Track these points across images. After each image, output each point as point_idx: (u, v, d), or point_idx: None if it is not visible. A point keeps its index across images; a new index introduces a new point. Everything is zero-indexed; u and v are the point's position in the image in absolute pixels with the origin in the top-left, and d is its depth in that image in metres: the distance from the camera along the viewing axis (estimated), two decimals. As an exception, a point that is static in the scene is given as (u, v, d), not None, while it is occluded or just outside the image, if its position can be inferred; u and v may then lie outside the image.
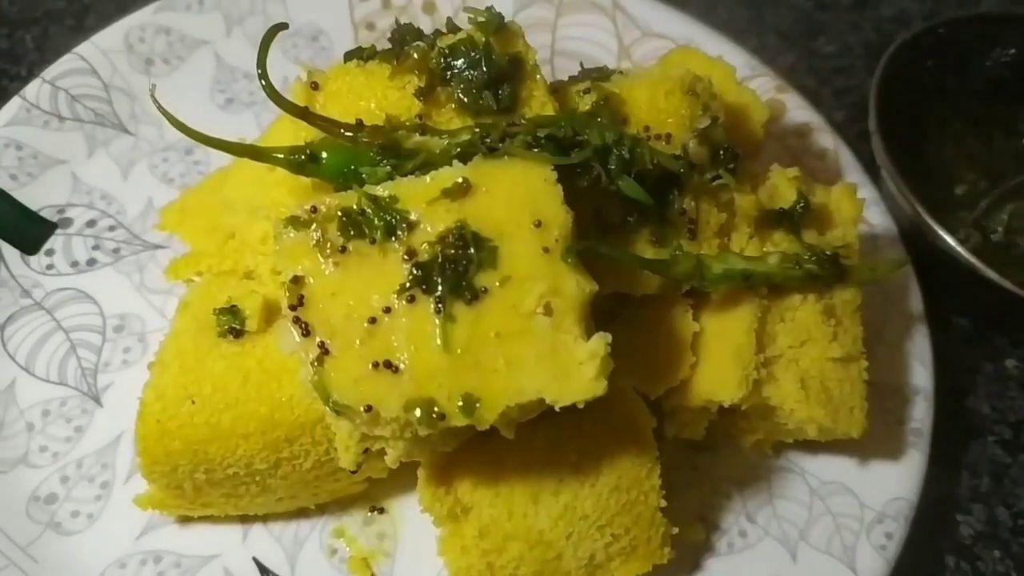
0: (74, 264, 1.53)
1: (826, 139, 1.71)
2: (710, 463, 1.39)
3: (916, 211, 1.50)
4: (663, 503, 1.20)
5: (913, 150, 1.69)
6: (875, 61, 1.72)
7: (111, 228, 1.57)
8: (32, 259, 1.52)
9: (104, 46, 1.70)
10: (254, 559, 1.27)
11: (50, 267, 1.51)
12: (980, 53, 1.78)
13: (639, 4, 1.84)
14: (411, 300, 1.01)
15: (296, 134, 1.22)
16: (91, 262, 1.53)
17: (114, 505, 1.30)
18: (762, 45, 2.01)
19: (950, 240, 1.46)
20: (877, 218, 1.59)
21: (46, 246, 1.54)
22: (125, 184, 1.62)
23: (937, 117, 1.76)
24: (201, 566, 1.26)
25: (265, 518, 1.30)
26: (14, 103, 1.61)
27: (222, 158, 1.60)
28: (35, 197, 1.56)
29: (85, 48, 1.68)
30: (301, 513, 1.31)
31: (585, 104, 1.24)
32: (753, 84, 1.68)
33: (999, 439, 1.53)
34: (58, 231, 1.55)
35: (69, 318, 1.46)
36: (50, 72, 1.65)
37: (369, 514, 1.32)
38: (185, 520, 1.29)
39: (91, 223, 1.57)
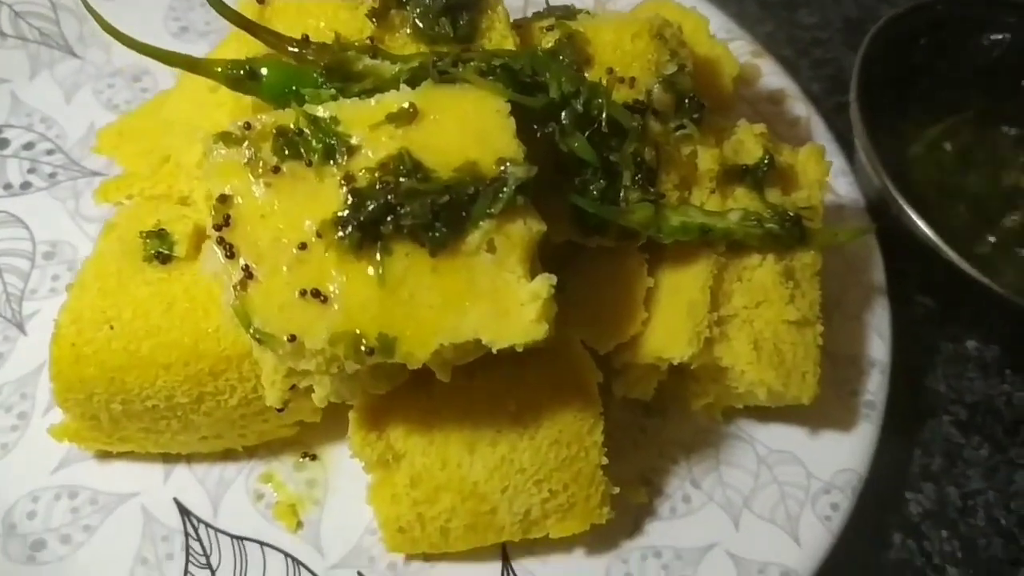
0: (7, 187, 1.46)
1: (799, 107, 1.66)
2: (658, 426, 1.35)
3: (884, 184, 1.46)
4: (605, 461, 1.16)
5: (890, 127, 1.65)
6: (855, 36, 1.68)
7: (49, 152, 1.50)
8: (-38, 179, 1.45)
9: (53, -37, 1.61)
10: (175, 500, 1.21)
11: (-19, 188, 1.44)
12: (973, 36, 1.73)
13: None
14: (345, 228, 0.95)
15: (241, 53, 1.15)
16: (25, 185, 1.46)
17: (31, 437, 1.24)
18: (742, 11, 1.95)
19: (915, 216, 1.43)
20: (844, 188, 1.55)
21: (-23, 167, 1.47)
22: (67, 108, 1.55)
23: (922, 97, 1.71)
24: (119, 504, 1.20)
25: (189, 459, 1.24)
26: (-48, 16, 1.53)
27: (169, 85, 1.54)
28: (-30, 114, 1.49)
29: (33, -37, 1.60)
30: (228, 455, 1.25)
31: (548, 41, 1.18)
32: (729, 47, 1.63)
33: (954, 419, 1.50)
34: (-8, 151, 1.48)
35: (-3, 242, 1.39)
36: (-7, -14, 1.57)
37: (300, 460, 1.27)
38: (104, 456, 1.23)
39: (28, 145, 1.50)
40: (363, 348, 0.93)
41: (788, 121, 1.65)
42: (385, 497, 1.14)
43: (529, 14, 1.37)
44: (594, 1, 1.73)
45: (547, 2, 1.34)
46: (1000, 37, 1.74)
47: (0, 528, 1.16)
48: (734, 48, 1.65)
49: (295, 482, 1.25)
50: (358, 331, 0.93)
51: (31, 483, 1.20)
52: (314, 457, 1.27)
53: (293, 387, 1.04)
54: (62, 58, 1.59)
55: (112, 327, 1.08)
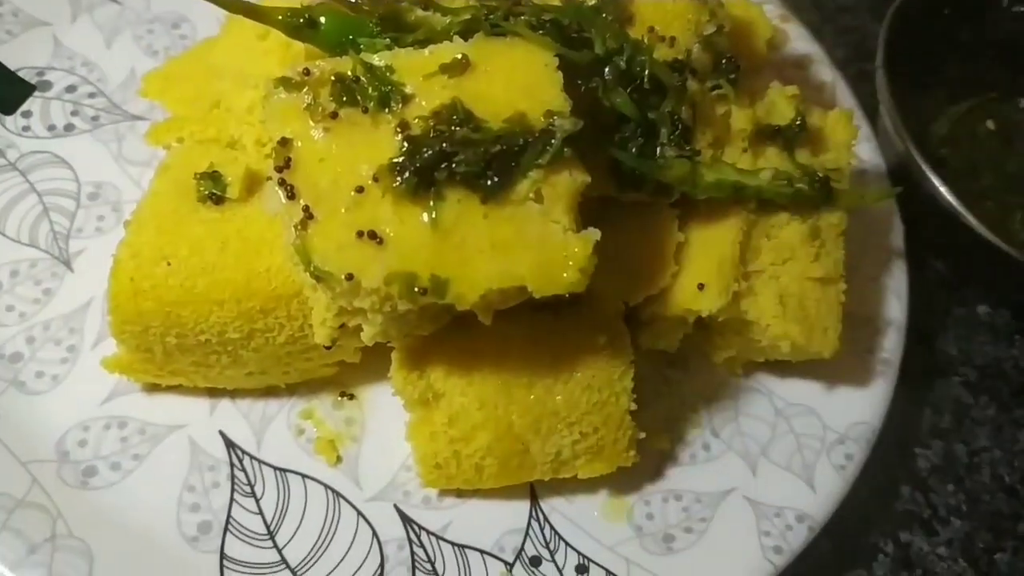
0: (51, 128, 1.49)
1: (825, 72, 1.70)
2: (681, 378, 1.40)
3: (907, 148, 1.49)
4: (634, 407, 1.21)
5: (913, 95, 1.68)
6: (879, 3, 1.70)
7: (91, 95, 1.53)
8: (7, 119, 1.48)
9: (94, -97, 1.63)
10: (220, 432, 1.27)
11: (26, 128, 1.48)
12: (996, 6, 1.76)
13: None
14: (400, 173, 0.99)
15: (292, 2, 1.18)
16: (68, 127, 1.49)
17: (80, 369, 1.28)
18: (768, -23, 1.97)
19: (936, 181, 1.46)
20: (867, 154, 1.59)
21: (23, 107, 1.49)
22: (108, 52, 1.58)
23: (945, 67, 1.74)
24: (166, 435, 1.25)
25: (233, 394, 1.29)
26: (-4, -43, 1.55)
27: (209, 32, 1.57)
28: (14, 56, 1.53)
29: (73, -96, 1.62)
30: (270, 392, 1.30)
31: (592, -2, 1.21)
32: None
33: (964, 380, 1.56)
34: (36, 94, 1.51)
35: (43, 181, 1.43)
36: (35, -72, 1.58)
37: (339, 399, 1.32)
38: (152, 389, 1.28)
39: (71, 88, 1.53)
40: (416, 289, 0.98)
41: (814, 86, 1.68)
42: (424, 434, 1.19)
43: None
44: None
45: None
46: (1022, 9, 1.77)
47: (54, 455, 1.21)
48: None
49: (334, 419, 1.30)
50: (412, 272, 0.98)
51: (82, 413, 1.25)
52: (352, 397, 1.32)
53: (342, 326, 1.09)
54: (102, 2, 1.62)
55: (169, 263, 1.12)
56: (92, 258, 1.36)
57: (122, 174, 1.45)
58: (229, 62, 1.28)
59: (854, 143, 1.34)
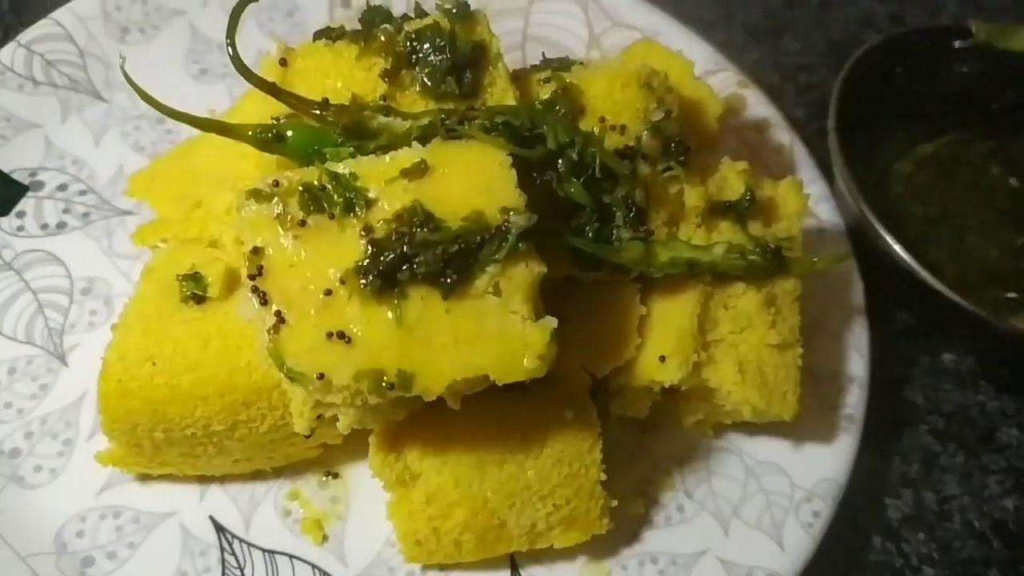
0: (44, 227, 1.55)
1: (783, 135, 1.76)
2: (653, 441, 1.45)
3: (861, 210, 1.56)
4: (604, 477, 1.27)
5: (870, 152, 1.75)
6: (839, 61, 1.77)
7: (82, 192, 1.60)
8: (3, 220, 1.55)
9: (81, 13, 1.71)
10: (210, 517, 1.32)
11: (20, 229, 1.54)
12: (948, 62, 1.83)
13: (611, -7, 1.88)
14: (366, 275, 1.06)
15: (265, 109, 1.26)
16: (61, 225, 1.56)
17: (76, 461, 1.34)
18: (729, 40, 2.05)
19: (892, 243, 1.52)
20: (826, 214, 1.65)
21: (17, 208, 1.56)
22: (97, 150, 1.64)
23: (899, 123, 1.81)
24: (159, 522, 1.31)
25: (222, 479, 1.35)
26: (-12, 65, 1.63)
27: (193, 128, 1.65)
28: (7, 159, 1.59)
29: (62, 14, 1.70)
30: (257, 475, 1.36)
31: (545, 93, 1.29)
32: (716, 78, 1.74)
33: (931, 428, 1.60)
34: (29, 194, 1.58)
35: (38, 279, 1.50)
36: (26, 36, 1.67)
37: (324, 479, 1.37)
38: (144, 478, 1.34)
39: (62, 187, 1.60)
40: (384, 384, 1.04)
41: (772, 148, 1.75)
42: (403, 513, 1.25)
43: (530, 57, 1.48)
44: (587, 38, 1.85)
45: (543, 55, 1.44)
46: (971, 64, 1.84)
47: (52, 547, 1.27)
48: (721, 79, 1.76)
49: (320, 499, 1.36)
50: (379, 368, 1.04)
51: (78, 504, 1.31)
52: (336, 476, 1.38)
53: (320, 416, 1.15)
54: (90, 102, 1.68)
55: (154, 363, 1.19)
56: (86, 352, 1.43)
57: (113, 268, 1.51)
58: (208, 164, 1.36)
59: (805, 211, 1.41)
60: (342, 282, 1.06)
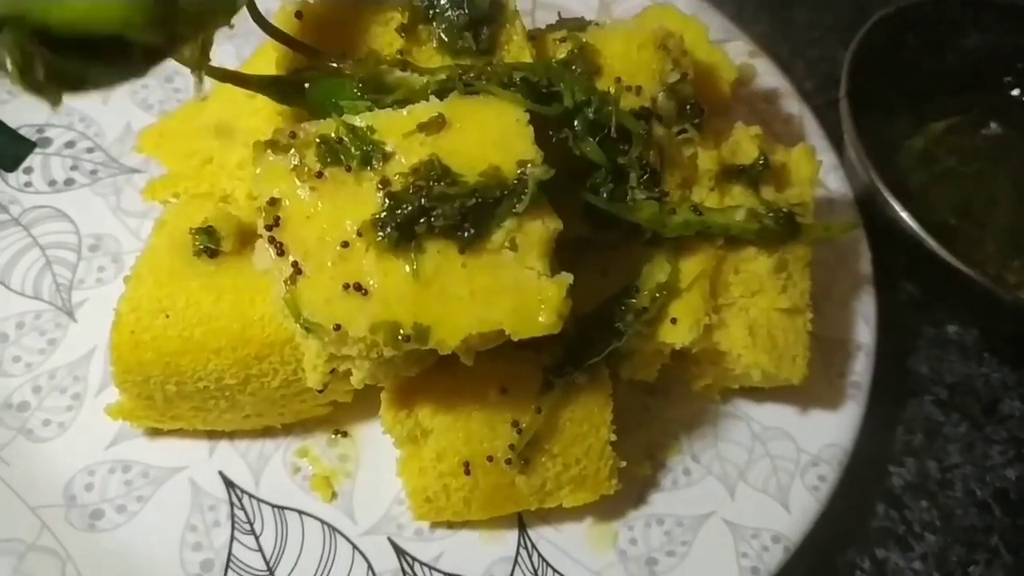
0: (52, 183, 1.55)
1: (792, 105, 1.76)
2: (661, 406, 1.46)
3: (870, 177, 1.56)
4: (613, 438, 1.27)
5: (879, 125, 1.75)
6: (848, 35, 1.76)
7: (89, 150, 1.59)
8: (10, 176, 1.54)
9: (88, -32, 1.70)
10: (220, 472, 1.33)
11: (28, 184, 1.54)
12: (960, 34, 1.83)
13: (623, -38, 1.87)
14: (383, 228, 1.06)
15: (276, 67, 1.25)
16: (68, 182, 1.55)
17: (85, 416, 1.34)
18: (740, 11, 2.05)
19: (903, 213, 1.52)
20: (835, 183, 1.66)
21: (24, 164, 1.55)
22: (105, 107, 1.63)
23: (910, 94, 1.81)
24: (168, 477, 1.31)
25: (232, 435, 1.35)
26: (-5, 20, 1.61)
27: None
28: (15, 115, 1.58)
29: (69, -30, 1.68)
30: (267, 432, 1.36)
31: (561, 52, 1.28)
32: (727, 47, 1.73)
33: (935, 399, 1.62)
34: (37, 150, 1.57)
35: (45, 235, 1.49)
36: (33, -9, 1.65)
37: (333, 436, 1.38)
38: (153, 433, 1.34)
39: (70, 144, 1.59)
40: (400, 336, 1.04)
41: (782, 119, 1.75)
42: (413, 470, 1.25)
43: (540, 24, 1.47)
44: (597, 5, 1.84)
45: (559, 14, 1.43)
46: (982, 36, 1.84)
47: (62, 499, 1.27)
48: (732, 48, 1.76)
49: (328, 457, 1.36)
50: (396, 321, 1.04)
51: (87, 458, 1.31)
52: (345, 434, 1.38)
53: (333, 371, 1.15)
54: (97, 59, 1.68)
55: (168, 316, 1.19)
56: (94, 308, 1.43)
57: (121, 226, 1.51)
58: (220, 120, 1.35)
59: (817, 177, 1.41)
60: (359, 234, 1.06)
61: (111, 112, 1.63)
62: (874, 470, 1.53)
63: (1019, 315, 1.54)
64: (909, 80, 1.81)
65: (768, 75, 1.79)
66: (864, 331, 1.50)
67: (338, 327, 1.03)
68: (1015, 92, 1.86)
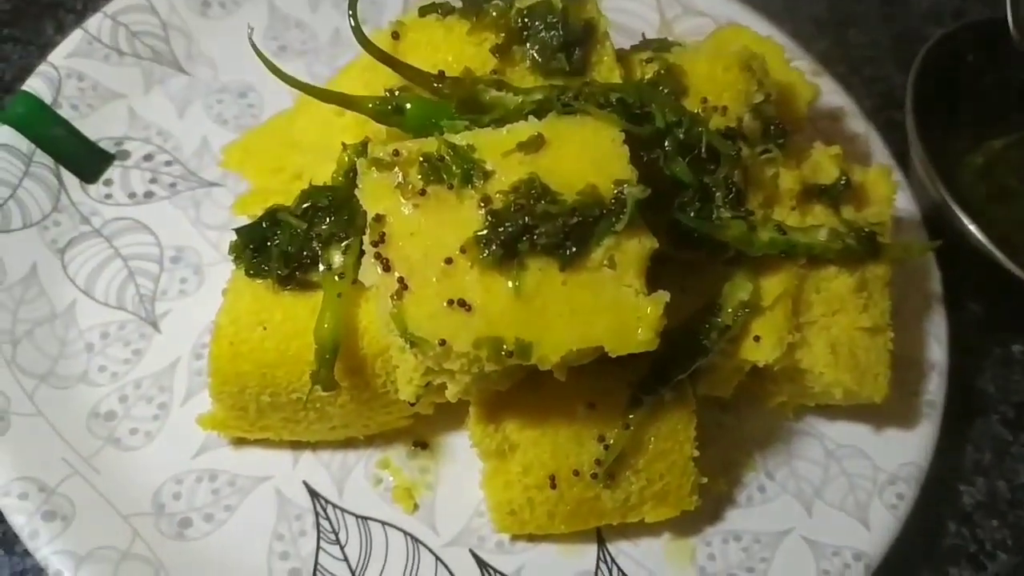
0: (131, 195, 1.57)
1: (858, 124, 1.78)
2: (734, 423, 1.47)
3: (941, 195, 1.57)
4: (696, 454, 1.28)
5: (940, 142, 1.75)
6: (904, 53, 1.79)
7: (167, 163, 1.61)
8: (91, 188, 1.56)
9: (163, -16, 1.73)
10: (304, 482, 1.34)
11: (108, 196, 1.56)
12: (1018, 55, 1.84)
13: (684, -18, 1.89)
14: (487, 245, 1.08)
15: (367, 83, 1.28)
16: (148, 194, 1.58)
17: (171, 425, 1.36)
18: (797, 31, 2.06)
19: (972, 227, 1.54)
20: (902, 202, 1.66)
21: (104, 176, 1.58)
22: (181, 122, 1.65)
23: (970, 113, 1.82)
24: (255, 486, 1.33)
25: (315, 446, 1.37)
26: (76, 35, 1.64)
27: (276, 102, 1.66)
28: (95, 128, 1.60)
29: (145, -14, 1.72)
30: (348, 444, 1.38)
31: (648, 72, 1.30)
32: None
33: (1002, 418, 1.62)
34: (116, 163, 1.60)
35: (127, 246, 1.51)
36: (111, 7, 1.68)
37: (413, 448, 1.39)
38: (239, 443, 1.36)
39: (148, 157, 1.61)
40: (503, 352, 1.06)
41: (847, 137, 1.76)
42: (499, 483, 1.27)
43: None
44: (659, 24, 1.86)
45: (643, 35, 1.45)
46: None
47: (151, 507, 1.29)
48: (795, 67, 1.77)
49: (409, 468, 1.38)
50: (499, 337, 1.06)
51: (174, 467, 1.33)
52: (425, 446, 1.40)
53: (427, 384, 1.17)
54: (173, 74, 1.70)
55: (265, 328, 1.21)
56: (177, 319, 1.45)
57: (201, 238, 1.53)
58: (308, 136, 1.38)
59: (895, 197, 1.42)
60: (462, 251, 1.08)
61: (187, 126, 1.65)
62: (945, 489, 1.53)
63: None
64: (970, 97, 1.83)
65: (831, 94, 1.80)
66: (936, 350, 1.51)
67: (443, 342, 1.05)
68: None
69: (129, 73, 1.68)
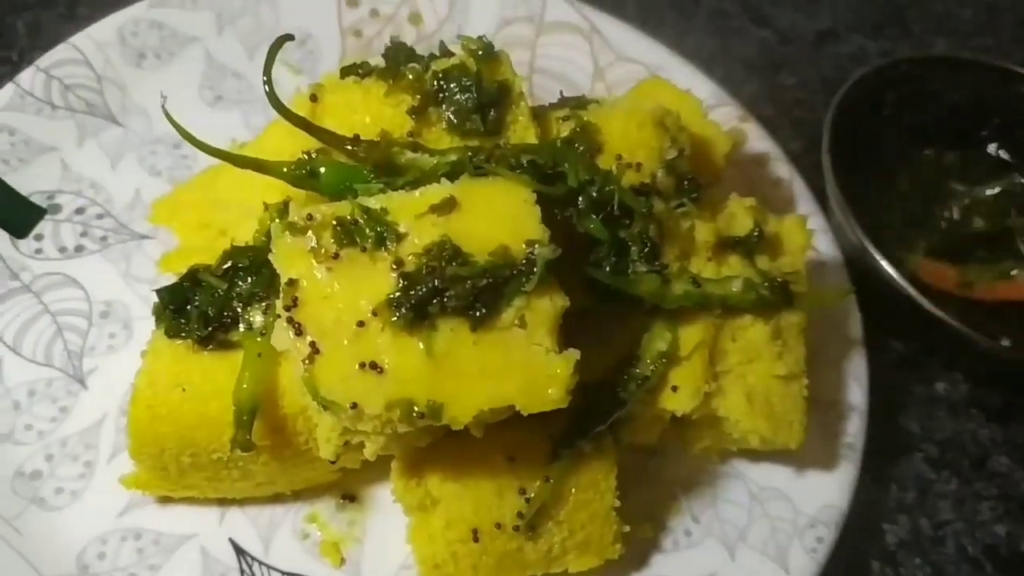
0: (62, 250, 1.57)
1: (782, 169, 1.82)
2: (660, 467, 1.49)
3: (859, 237, 1.61)
4: (617, 503, 1.30)
5: (865, 180, 1.80)
6: (832, 95, 1.83)
7: (99, 216, 1.62)
8: (21, 243, 1.56)
9: (98, 38, 1.73)
10: (230, 540, 1.35)
11: (38, 251, 1.56)
12: (937, 93, 1.90)
13: (615, 29, 1.93)
14: (398, 308, 1.10)
15: (291, 141, 1.30)
16: (79, 248, 1.58)
17: (97, 484, 1.36)
18: (728, 74, 2.11)
19: (889, 269, 1.58)
20: (823, 245, 1.71)
21: (35, 231, 1.58)
22: (114, 174, 1.66)
23: (891, 150, 1.87)
24: (179, 544, 1.33)
25: (242, 502, 1.38)
26: (8, 89, 1.64)
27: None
28: (26, 182, 1.60)
29: (79, 39, 1.72)
30: (276, 498, 1.38)
31: (564, 131, 1.33)
32: (717, 112, 1.79)
33: (926, 456, 1.66)
34: (47, 217, 1.60)
35: (56, 302, 1.51)
36: (44, 61, 1.69)
37: (341, 501, 1.40)
38: (165, 500, 1.36)
39: (80, 210, 1.62)
40: (415, 413, 1.07)
41: (772, 182, 1.80)
42: (423, 537, 1.28)
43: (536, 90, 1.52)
44: (592, 71, 1.90)
45: (561, 93, 1.49)
46: (960, 93, 1.91)
47: (75, 568, 1.29)
48: (722, 113, 1.81)
49: (337, 521, 1.39)
50: (410, 398, 1.08)
51: (100, 526, 1.33)
52: (353, 499, 1.41)
53: (346, 443, 1.18)
54: (106, 126, 1.70)
55: (184, 389, 1.21)
56: (105, 375, 1.45)
57: (131, 292, 1.53)
58: (232, 193, 1.39)
59: (809, 246, 1.46)
60: (374, 314, 1.10)
61: (120, 178, 1.65)
62: (868, 528, 1.57)
63: (1005, 365, 1.60)
64: (889, 137, 1.88)
65: (758, 139, 1.84)
66: (856, 392, 1.55)
67: (355, 405, 1.07)
68: (991, 147, 1.93)
69: (62, 126, 1.68)
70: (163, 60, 1.78)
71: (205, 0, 1.84)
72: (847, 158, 1.73)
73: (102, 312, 1.52)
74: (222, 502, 1.37)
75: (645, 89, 1.59)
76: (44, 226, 1.59)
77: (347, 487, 1.41)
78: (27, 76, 1.67)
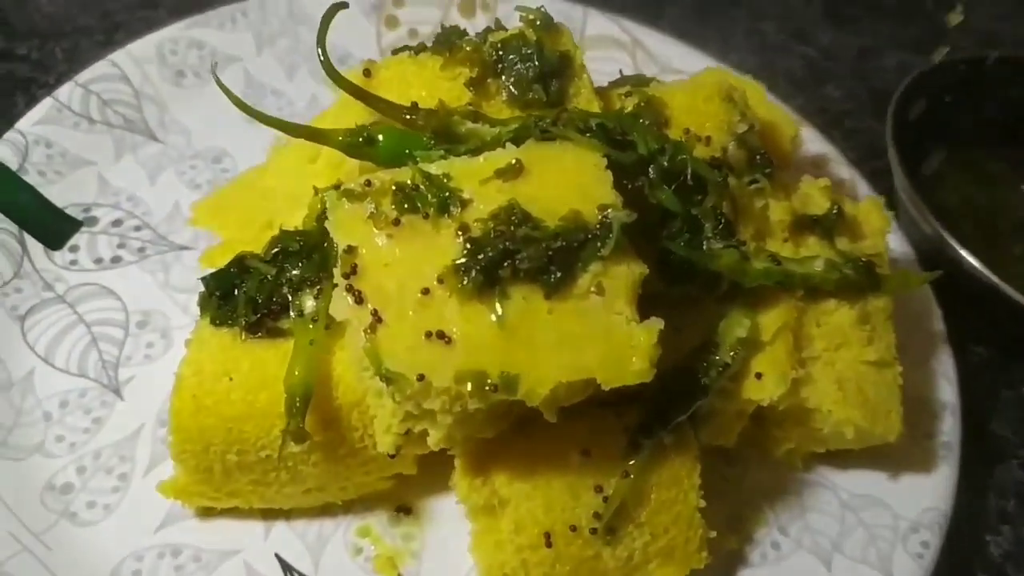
0: (98, 261, 1.51)
1: (842, 170, 1.75)
2: (740, 476, 1.38)
3: (935, 228, 1.52)
4: (702, 504, 1.19)
5: (922, 177, 1.73)
6: (881, 106, 1.78)
7: (137, 228, 1.56)
8: (56, 254, 1.50)
9: (137, 55, 1.72)
10: (276, 555, 1.23)
11: (73, 263, 1.50)
12: (994, 92, 1.84)
13: (658, 41, 1.90)
14: (466, 273, 1.01)
15: (340, 125, 1.23)
16: (116, 259, 1.51)
17: (132, 497, 1.26)
18: (773, 87, 2.05)
19: (972, 259, 1.49)
20: (894, 242, 1.61)
21: (70, 242, 1.52)
22: (152, 187, 1.61)
23: (949, 150, 1.81)
24: (222, 561, 1.22)
25: (288, 515, 1.26)
26: (46, 103, 1.62)
27: (250, 164, 1.63)
28: (62, 195, 1.56)
29: (119, 55, 1.70)
30: (325, 511, 1.27)
31: (628, 105, 1.27)
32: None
33: (1022, 463, 1.53)
34: (83, 229, 1.54)
35: (91, 312, 1.44)
36: (83, 76, 1.66)
37: (395, 514, 1.29)
38: (206, 514, 1.25)
39: (117, 223, 1.56)
40: (487, 386, 0.97)
41: (834, 183, 1.72)
42: (489, 544, 1.16)
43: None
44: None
45: (621, 71, 1.43)
46: (1018, 92, 1.85)
47: (107, 587, 1.17)
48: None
49: (391, 535, 1.27)
50: (482, 370, 0.98)
51: (135, 543, 1.22)
52: (408, 511, 1.29)
53: (407, 432, 1.08)
54: (144, 142, 1.67)
55: (231, 379, 1.12)
56: (142, 385, 1.36)
57: (170, 301, 1.46)
58: (280, 185, 1.33)
59: (889, 228, 1.37)
60: (440, 281, 1.01)
61: (158, 192, 1.60)
62: (970, 539, 1.43)
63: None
64: (947, 135, 1.81)
65: (813, 142, 1.78)
66: (947, 389, 1.44)
67: (421, 377, 0.97)
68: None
69: (99, 141, 1.64)
70: (203, 79, 1.76)
71: (244, 21, 1.83)
72: (908, 157, 1.66)
73: (139, 322, 1.44)
74: (267, 515, 1.26)
75: (703, 77, 1.52)
76: (80, 238, 1.53)
77: (401, 498, 1.30)
78: (65, 91, 1.64)
